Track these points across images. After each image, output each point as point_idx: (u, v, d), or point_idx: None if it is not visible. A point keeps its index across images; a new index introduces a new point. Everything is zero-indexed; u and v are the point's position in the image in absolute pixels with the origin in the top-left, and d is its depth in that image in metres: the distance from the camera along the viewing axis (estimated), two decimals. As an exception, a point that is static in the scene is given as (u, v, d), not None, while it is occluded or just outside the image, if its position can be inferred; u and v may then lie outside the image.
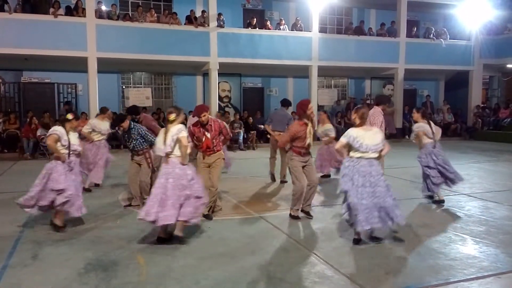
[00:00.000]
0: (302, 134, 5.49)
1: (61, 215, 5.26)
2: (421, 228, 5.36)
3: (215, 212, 5.92)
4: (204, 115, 5.59)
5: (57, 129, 5.24)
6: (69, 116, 5.39)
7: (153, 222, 4.59)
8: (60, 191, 5.10)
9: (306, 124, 5.52)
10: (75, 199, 5.25)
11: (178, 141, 4.67)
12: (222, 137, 5.88)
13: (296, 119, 5.78)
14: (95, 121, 7.98)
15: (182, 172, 4.67)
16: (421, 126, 6.64)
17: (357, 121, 4.72)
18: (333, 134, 8.61)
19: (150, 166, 6.30)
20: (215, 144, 5.70)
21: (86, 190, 7.26)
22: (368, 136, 4.64)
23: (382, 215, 4.59)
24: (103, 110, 8.25)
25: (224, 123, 6.11)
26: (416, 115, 6.86)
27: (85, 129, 7.77)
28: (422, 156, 6.63)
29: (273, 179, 8.47)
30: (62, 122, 5.39)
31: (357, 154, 4.63)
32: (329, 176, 8.85)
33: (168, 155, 4.72)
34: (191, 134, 5.70)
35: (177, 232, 4.72)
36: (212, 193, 5.68)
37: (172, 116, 4.77)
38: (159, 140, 4.84)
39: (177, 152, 4.71)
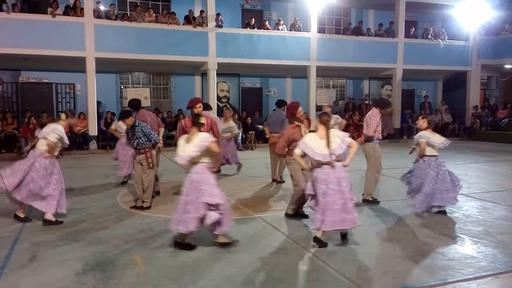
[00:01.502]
0: (297, 136, 5.43)
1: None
2: (419, 228, 5.37)
3: None
4: (200, 106, 5.76)
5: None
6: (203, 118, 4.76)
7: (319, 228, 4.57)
8: (214, 206, 4.44)
9: (299, 126, 5.55)
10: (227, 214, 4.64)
11: (351, 144, 4.65)
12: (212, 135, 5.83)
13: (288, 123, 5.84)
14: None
15: (346, 175, 4.63)
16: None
17: (425, 125, 6.01)
18: (236, 130, 9.53)
19: (151, 165, 6.27)
20: None
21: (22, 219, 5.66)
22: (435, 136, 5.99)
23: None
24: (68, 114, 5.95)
25: (217, 119, 6.05)
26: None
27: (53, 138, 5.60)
28: None
29: (274, 181, 8.47)
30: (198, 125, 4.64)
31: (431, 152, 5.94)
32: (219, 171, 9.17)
33: (333, 160, 4.56)
34: (181, 128, 5.73)
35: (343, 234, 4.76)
36: None
37: (332, 120, 4.81)
38: (317, 145, 4.58)
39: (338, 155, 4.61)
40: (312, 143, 4.63)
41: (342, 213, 4.50)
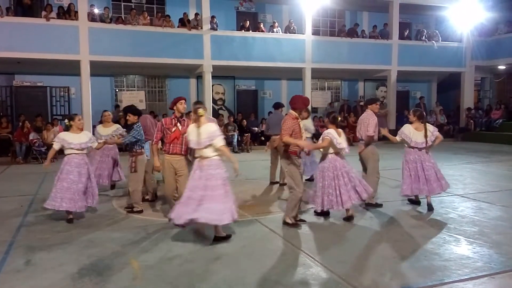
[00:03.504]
0: (296, 128, 5.36)
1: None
2: (415, 229, 5.38)
3: None
4: (181, 103, 5.56)
5: (330, 132, 5.47)
6: (339, 117, 5.61)
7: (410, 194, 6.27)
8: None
9: (297, 118, 5.45)
10: None
11: (437, 137, 6.15)
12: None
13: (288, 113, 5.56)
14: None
15: (430, 157, 6.15)
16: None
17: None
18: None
19: (133, 170, 6.12)
20: (183, 141, 5.43)
21: None
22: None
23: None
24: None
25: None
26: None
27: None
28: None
29: (273, 183, 8.44)
30: (335, 123, 5.60)
31: None
32: None
33: (427, 146, 6.09)
34: (160, 126, 5.57)
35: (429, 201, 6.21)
36: None
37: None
38: (414, 135, 6.06)
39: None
40: (409, 132, 6.11)
41: (434, 182, 5.99)
